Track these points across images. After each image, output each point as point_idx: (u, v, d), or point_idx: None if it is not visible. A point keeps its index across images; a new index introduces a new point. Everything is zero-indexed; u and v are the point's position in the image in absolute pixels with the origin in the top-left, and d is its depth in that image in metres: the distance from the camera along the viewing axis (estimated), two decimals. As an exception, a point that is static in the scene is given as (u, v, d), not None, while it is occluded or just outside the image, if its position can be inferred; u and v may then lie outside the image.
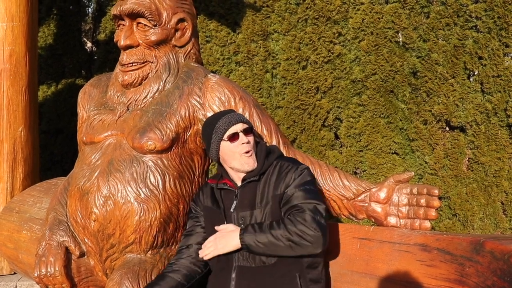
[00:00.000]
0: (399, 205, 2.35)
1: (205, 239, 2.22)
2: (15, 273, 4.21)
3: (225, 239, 2.10)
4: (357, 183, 2.44)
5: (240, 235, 2.05)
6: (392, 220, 2.37)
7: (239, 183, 2.21)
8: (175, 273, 2.18)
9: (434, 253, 2.13)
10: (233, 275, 2.12)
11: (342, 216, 2.52)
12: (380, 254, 2.28)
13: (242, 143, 2.15)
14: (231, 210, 2.17)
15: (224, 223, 2.17)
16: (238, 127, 2.16)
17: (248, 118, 2.41)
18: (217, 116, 2.23)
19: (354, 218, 2.49)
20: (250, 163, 2.16)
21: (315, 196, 2.12)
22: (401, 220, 2.35)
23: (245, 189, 2.18)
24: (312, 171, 2.28)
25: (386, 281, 2.23)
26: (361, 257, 2.33)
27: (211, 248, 2.14)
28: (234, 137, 2.16)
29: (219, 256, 2.15)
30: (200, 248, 2.22)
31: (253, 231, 2.04)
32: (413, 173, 2.40)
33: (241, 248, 2.07)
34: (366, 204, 2.41)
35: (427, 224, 2.29)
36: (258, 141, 2.29)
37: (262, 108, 2.57)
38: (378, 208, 2.39)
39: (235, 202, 2.18)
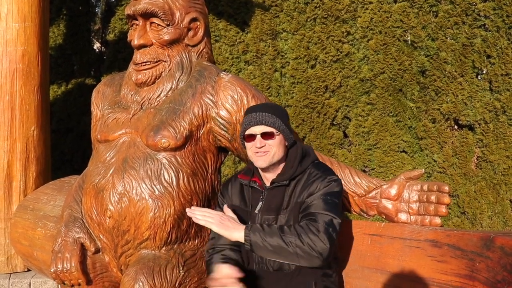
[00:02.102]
0: (410, 201, 2.38)
1: None
2: (28, 270, 4.25)
3: (232, 225, 2.01)
4: (368, 180, 2.47)
5: (246, 230, 1.98)
6: (403, 216, 2.39)
7: (267, 184, 2.19)
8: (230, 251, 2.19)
9: (445, 248, 2.15)
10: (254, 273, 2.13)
11: (353, 212, 2.54)
12: (391, 250, 2.31)
13: (255, 147, 2.12)
14: (256, 211, 2.16)
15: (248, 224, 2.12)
16: (257, 129, 2.12)
17: None
18: (248, 110, 2.21)
19: (365, 215, 2.52)
20: (258, 161, 2.13)
21: (333, 209, 2.04)
22: (412, 217, 2.37)
23: (272, 192, 2.15)
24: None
25: (397, 277, 2.26)
26: (372, 253, 2.36)
27: (211, 220, 2.03)
28: (250, 138, 2.14)
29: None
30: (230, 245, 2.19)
31: (261, 230, 1.96)
32: (423, 170, 2.43)
33: (244, 244, 1.99)
34: (377, 201, 2.44)
35: (438, 220, 2.31)
36: (294, 143, 2.22)
37: (274, 106, 2.60)
38: (389, 204, 2.42)
39: (260, 204, 2.17)
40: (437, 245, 2.18)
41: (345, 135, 5.69)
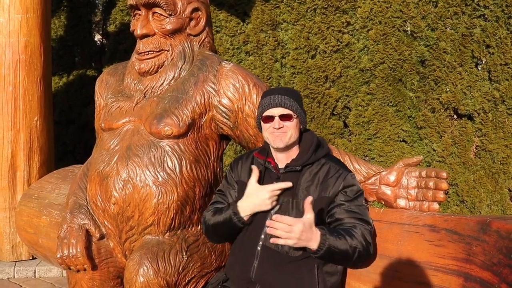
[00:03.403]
0: (408, 187, 2.42)
1: None
2: (33, 258, 4.32)
3: (309, 235, 1.95)
4: (367, 167, 2.51)
5: (322, 235, 1.96)
6: (402, 202, 2.44)
7: (280, 165, 2.22)
8: None
9: (442, 233, 2.19)
10: (258, 251, 2.16)
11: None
12: (390, 235, 2.35)
13: (273, 128, 2.15)
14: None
15: None
16: (276, 111, 2.14)
17: None
18: (266, 93, 2.24)
19: (364, 201, 2.56)
20: (276, 141, 2.16)
21: (368, 215, 2.20)
22: (410, 202, 2.42)
23: (287, 176, 2.18)
24: None
25: (396, 261, 2.30)
26: (371, 238, 2.41)
27: (292, 235, 1.93)
28: (269, 119, 2.16)
29: (247, 228, 2.19)
30: None
31: (334, 235, 1.99)
32: (421, 157, 2.47)
33: (314, 251, 1.98)
34: (376, 187, 2.48)
35: (436, 205, 2.35)
36: (307, 129, 2.28)
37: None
38: (388, 191, 2.46)
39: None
40: (435, 230, 2.22)
41: (345, 125, 5.73)
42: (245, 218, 2.15)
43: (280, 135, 2.15)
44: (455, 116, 5.22)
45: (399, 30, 5.39)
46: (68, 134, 6.55)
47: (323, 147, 2.25)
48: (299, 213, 2.09)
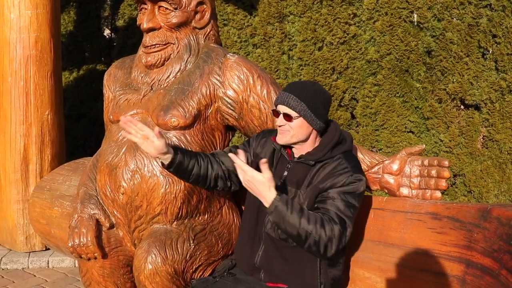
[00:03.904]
0: (411, 176, 2.46)
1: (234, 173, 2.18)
2: (47, 249, 4.42)
3: (261, 190, 1.95)
4: (370, 156, 2.55)
5: (275, 200, 1.95)
6: (405, 190, 2.47)
7: (296, 154, 2.23)
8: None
9: (444, 221, 2.22)
10: (263, 237, 2.20)
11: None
12: (393, 223, 2.39)
13: (278, 124, 2.17)
14: (281, 180, 2.19)
15: None
16: (281, 108, 2.16)
17: (266, 96, 2.52)
18: (284, 88, 2.23)
19: (368, 189, 2.60)
20: (278, 137, 2.18)
21: (352, 216, 2.08)
22: (413, 191, 2.45)
23: (298, 166, 2.19)
24: None
25: (399, 249, 2.34)
26: (375, 226, 2.44)
27: (247, 178, 1.97)
28: (275, 113, 2.19)
29: (255, 214, 2.23)
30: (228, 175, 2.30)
31: (288, 207, 1.95)
32: (424, 145, 2.51)
33: (268, 212, 1.98)
34: (380, 176, 2.52)
35: (438, 194, 2.39)
36: (323, 129, 2.22)
37: (279, 86, 2.68)
38: (391, 179, 2.50)
39: (286, 173, 2.21)
40: (437, 217, 2.26)
41: (353, 116, 5.75)
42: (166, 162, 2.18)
43: (283, 133, 2.17)
44: (462, 107, 5.23)
45: (405, 21, 5.39)
46: (79, 128, 6.63)
47: (343, 144, 2.22)
48: (302, 204, 2.13)
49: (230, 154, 2.08)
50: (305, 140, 2.20)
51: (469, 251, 2.09)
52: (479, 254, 2.04)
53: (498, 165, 4.90)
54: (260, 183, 1.95)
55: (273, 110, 2.23)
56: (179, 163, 2.20)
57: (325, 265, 2.18)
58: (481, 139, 5.09)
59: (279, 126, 2.17)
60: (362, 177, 2.15)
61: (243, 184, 2.01)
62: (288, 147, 2.24)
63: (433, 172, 2.38)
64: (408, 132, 5.52)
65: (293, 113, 2.14)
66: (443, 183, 2.37)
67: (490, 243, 2.02)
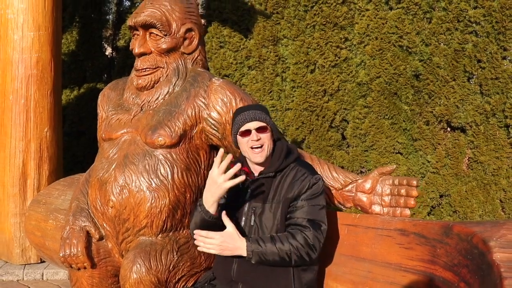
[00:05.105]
0: (383, 194, 2.61)
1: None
2: (42, 262, 4.54)
3: (232, 244, 2.22)
4: (344, 175, 2.71)
5: (248, 246, 2.21)
6: (376, 208, 2.62)
7: (255, 173, 2.40)
8: None
9: (411, 237, 2.35)
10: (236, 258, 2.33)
11: (332, 205, 2.78)
12: (365, 239, 2.52)
13: (252, 140, 2.32)
14: (246, 198, 2.36)
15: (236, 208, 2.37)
16: (252, 125, 2.31)
17: None
18: (239, 110, 2.41)
19: (342, 207, 2.75)
20: (256, 158, 2.33)
21: (321, 215, 2.30)
22: (384, 208, 2.60)
23: (260, 181, 2.36)
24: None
25: (370, 263, 2.46)
26: (348, 241, 2.57)
27: (210, 246, 2.22)
28: (246, 133, 2.34)
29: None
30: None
31: (261, 243, 2.21)
32: (395, 166, 2.66)
33: (249, 258, 2.22)
34: (353, 194, 2.67)
35: (407, 211, 2.54)
36: (278, 138, 2.43)
37: (261, 108, 2.85)
38: (363, 197, 2.65)
39: (249, 192, 2.37)
40: (405, 233, 2.38)
41: (343, 137, 5.89)
42: (211, 210, 2.26)
43: (260, 151, 2.33)
44: (448, 129, 5.37)
45: (394, 45, 5.57)
46: (78, 145, 6.75)
47: (293, 153, 2.43)
48: (272, 216, 2.30)
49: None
50: (272, 152, 2.39)
51: (433, 265, 2.21)
52: (441, 268, 2.16)
53: (483, 186, 5.02)
54: (230, 236, 2.22)
55: (241, 132, 2.35)
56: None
57: (298, 271, 2.32)
58: (467, 161, 5.23)
59: (254, 143, 2.32)
60: (319, 176, 2.37)
61: (218, 252, 2.24)
62: (247, 167, 2.40)
63: (403, 191, 2.54)
64: (396, 153, 5.66)
65: (266, 125, 2.34)
66: (412, 201, 2.52)
67: (451, 258, 2.13)
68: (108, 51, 7.52)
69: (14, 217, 4.49)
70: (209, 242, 2.22)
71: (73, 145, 6.66)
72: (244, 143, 2.36)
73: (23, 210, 4.41)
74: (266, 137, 2.35)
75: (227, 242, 2.22)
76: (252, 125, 2.33)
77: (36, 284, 4.30)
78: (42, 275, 4.41)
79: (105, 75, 7.09)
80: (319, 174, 2.40)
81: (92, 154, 6.45)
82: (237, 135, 2.38)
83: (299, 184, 2.31)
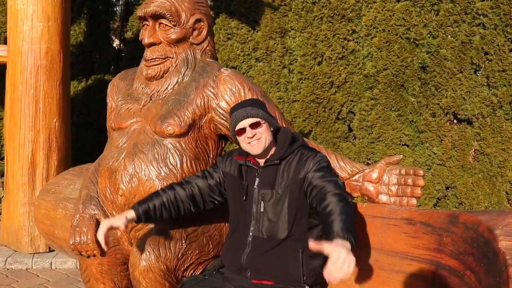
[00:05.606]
0: (389, 184, 2.63)
1: (211, 190, 2.52)
2: (50, 251, 4.60)
3: (346, 255, 1.80)
4: (352, 165, 2.73)
5: (350, 242, 1.96)
6: (383, 198, 2.64)
7: (261, 163, 2.43)
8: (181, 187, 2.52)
9: (418, 226, 2.37)
10: (249, 241, 2.38)
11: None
12: (372, 228, 2.54)
13: (247, 137, 2.37)
14: (254, 187, 2.40)
15: (244, 197, 2.41)
16: (245, 123, 2.36)
17: None
18: (232, 110, 2.47)
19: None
20: (254, 150, 2.38)
21: (334, 174, 2.36)
22: (391, 198, 2.62)
23: (267, 169, 2.39)
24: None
25: (376, 252, 2.49)
26: (355, 230, 2.62)
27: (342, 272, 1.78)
28: (241, 132, 2.39)
29: (238, 222, 2.44)
30: (206, 195, 2.53)
31: (351, 231, 2.02)
32: (401, 156, 2.68)
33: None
34: (360, 184, 2.69)
35: (414, 201, 2.55)
36: (277, 129, 2.48)
37: (269, 98, 2.87)
38: (370, 187, 2.67)
39: (257, 180, 2.41)
40: (411, 222, 2.41)
41: (350, 129, 5.92)
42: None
43: (257, 143, 2.37)
44: (454, 121, 5.38)
45: (401, 37, 5.57)
46: (86, 136, 6.80)
47: (298, 140, 2.46)
48: (281, 201, 2.33)
49: None
50: (273, 143, 2.43)
51: (439, 253, 2.23)
52: (447, 257, 2.18)
53: (489, 178, 5.03)
54: (341, 259, 1.79)
55: (237, 131, 2.40)
56: (145, 215, 2.46)
57: (307, 257, 2.35)
58: (473, 153, 5.23)
59: (250, 140, 2.37)
60: (322, 155, 2.40)
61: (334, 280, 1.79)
62: (253, 158, 2.44)
63: (409, 181, 2.56)
64: (402, 145, 5.67)
65: (259, 120, 2.37)
66: (418, 191, 2.54)
67: (457, 246, 2.16)
68: (116, 43, 7.55)
69: (23, 207, 4.55)
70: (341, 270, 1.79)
71: (81, 136, 6.71)
72: (242, 141, 2.41)
73: (32, 199, 4.46)
74: (261, 131, 2.38)
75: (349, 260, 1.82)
76: (245, 122, 2.37)
77: (45, 272, 4.36)
78: (51, 264, 4.46)
79: (113, 67, 7.12)
80: (322, 154, 2.43)
81: (100, 145, 6.50)
82: (235, 135, 2.44)
83: (305, 164, 2.34)
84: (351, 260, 1.81)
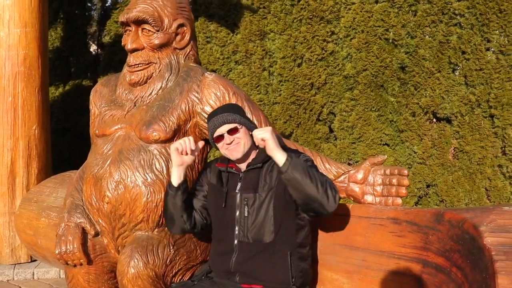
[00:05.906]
0: (374, 184, 2.66)
1: (203, 207, 2.53)
2: (32, 261, 4.52)
3: (277, 144, 2.23)
4: (337, 166, 2.75)
5: (288, 155, 2.20)
6: (369, 198, 2.67)
7: (243, 168, 2.44)
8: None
9: (403, 225, 2.41)
10: (235, 246, 2.38)
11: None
12: (358, 228, 2.57)
13: (226, 144, 2.38)
14: (236, 191, 2.40)
15: (223, 203, 2.41)
16: (222, 129, 2.37)
17: None
18: (209, 117, 2.47)
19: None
20: (233, 155, 2.39)
21: (320, 173, 2.33)
22: (376, 198, 2.65)
23: (249, 173, 2.40)
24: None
25: (363, 251, 2.51)
26: (342, 231, 2.62)
27: (267, 134, 2.21)
28: (219, 138, 2.40)
29: (221, 228, 2.45)
30: (199, 213, 2.52)
31: (296, 160, 2.19)
32: (386, 156, 2.71)
33: (284, 163, 2.17)
34: (346, 185, 2.71)
35: (399, 200, 2.59)
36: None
37: (253, 102, 2.88)
38: (356, 188, 2.70)
39: (239, 184, 2.41)
40: (397, 222, 2.45)
41: (331, 130, 5.96)
42: (173, 181, 2.42)
43: (235, 147, 2.38)
44: (434, 120, 5.46)
45: (380, 38, 5.63)
46: (64, 142, 6.71)
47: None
48: (265, 204, 2.34)
49: None
50: (252, 147, 2.43)
51: (425, 252, 2.27)
52: (434, 254, 2.22)
53: (469, 175, 5.12)
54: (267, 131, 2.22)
55: (215, 138, 2.42)
56: (183, 190, 2.44)
57: (295, 259, 2.37)
58: (452, 151, 5.32)
59: (228, 146, 2.38)
60: (307, 155, 2.44)
61: (269, 137, 2.22)
62: (234, 164, 2.45)
63: (394, 181, 2.59)
64: (383, 144, 5.74)
65: (236, 125, 2.38)
66: (403, 191, 2.57)
67: (443, 244, 2.20)
68: (93, 47, 7.48)
69: (3, 216, 4.46)
70: (264, 130, 2.27)
71: (59, 142, 6.62)
72: (221, 148, 2.43)
73: (12, 209, 4.38)
74: (240, 136, 2.39)
75: (274, 139, 2.22)
76: (223, 129, 2.39)
77: (27, 283, 4.29)
78: (33, 274, 4.39)
79: (90, 72, 7.04)
80: (305, 154, 2.46)
81: (78, 151, 6.51)
82: (214, 142, 2.45)
83: None
84: (266, 133, 2.21)
